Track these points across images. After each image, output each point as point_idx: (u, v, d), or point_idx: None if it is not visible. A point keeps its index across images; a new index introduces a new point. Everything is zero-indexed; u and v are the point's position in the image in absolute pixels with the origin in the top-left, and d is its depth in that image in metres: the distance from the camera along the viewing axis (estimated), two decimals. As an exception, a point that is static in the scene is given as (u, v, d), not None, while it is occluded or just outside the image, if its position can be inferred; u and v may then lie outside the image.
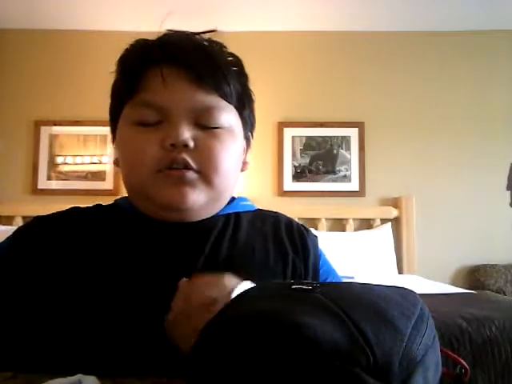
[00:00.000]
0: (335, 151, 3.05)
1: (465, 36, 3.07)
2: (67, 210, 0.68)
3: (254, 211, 0.72)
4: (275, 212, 0.74)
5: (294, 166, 3.04)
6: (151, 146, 0.58)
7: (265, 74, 2.98)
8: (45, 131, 3.04)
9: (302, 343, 0.32)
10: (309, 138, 3.04)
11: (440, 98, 3.06)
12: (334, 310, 0.35)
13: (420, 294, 0.42)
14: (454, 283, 2.72)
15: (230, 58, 0.64)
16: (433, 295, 1.85)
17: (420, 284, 2.26)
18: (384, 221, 2.94)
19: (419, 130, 3.03)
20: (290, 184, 3.01)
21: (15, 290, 0.58)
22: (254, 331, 0.35)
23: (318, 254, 0.70)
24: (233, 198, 0.72)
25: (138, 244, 0.62)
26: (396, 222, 2.94)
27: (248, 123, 0.68)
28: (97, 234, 0.63)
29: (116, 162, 0.67)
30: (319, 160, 3.05)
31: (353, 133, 3.04)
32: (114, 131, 0.67)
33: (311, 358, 0.31)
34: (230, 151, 0.62)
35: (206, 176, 0.60)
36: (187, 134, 0.58)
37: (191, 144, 0.58)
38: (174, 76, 0.59)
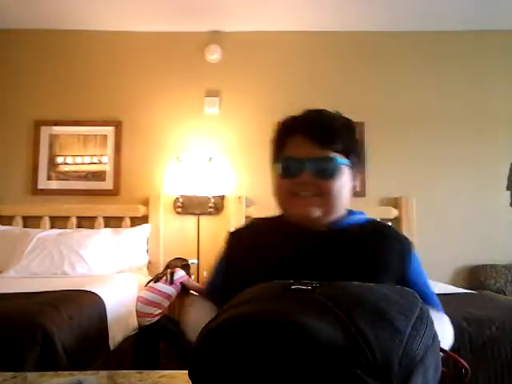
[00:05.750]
0: (335, 151, 3.04)
1: (465, 36, 3.07)
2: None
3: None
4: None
5: (294, 166, 3.03)
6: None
7: (264, 73, 2.97)
8: (45, 131, 3.03)
9: (302, 343, 0.32)
10: (309, 138, 3.04)
11: (440, 98, 3.06)
12: (333, 310, 0.35)
13: (420, 294, 0.42)
14: (454, 283, 2.72)
15: (344, 120, 0.95)
16: (433, 295, 1.84)
17: (420, 284, 2.25)
18: (384, 221, 2.93)
19: (419, 131, 3.03)
20: (290, 184, 3.01)
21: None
22: (254, 331, 0.35)
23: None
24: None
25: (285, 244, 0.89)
26: (396, 222, 2.94)
27: (354, 162, 0.92)
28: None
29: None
30: (319, 160, 3.04)
31: (353, 133, 3.03)
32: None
33: (311, 357, 0.31)
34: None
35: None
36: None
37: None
38: (302, 141, 0.90)
